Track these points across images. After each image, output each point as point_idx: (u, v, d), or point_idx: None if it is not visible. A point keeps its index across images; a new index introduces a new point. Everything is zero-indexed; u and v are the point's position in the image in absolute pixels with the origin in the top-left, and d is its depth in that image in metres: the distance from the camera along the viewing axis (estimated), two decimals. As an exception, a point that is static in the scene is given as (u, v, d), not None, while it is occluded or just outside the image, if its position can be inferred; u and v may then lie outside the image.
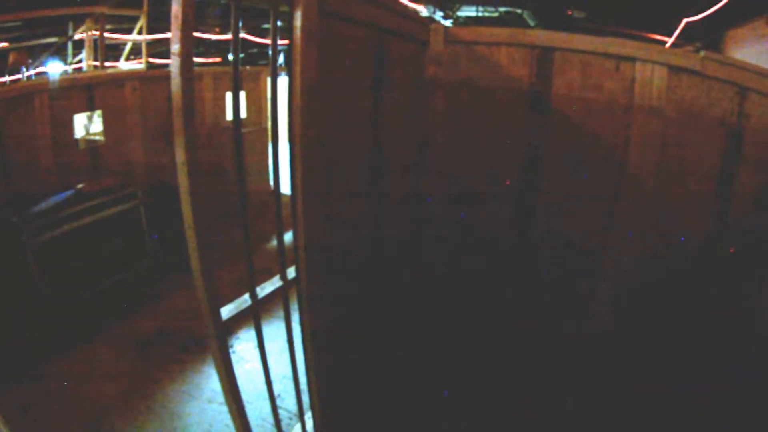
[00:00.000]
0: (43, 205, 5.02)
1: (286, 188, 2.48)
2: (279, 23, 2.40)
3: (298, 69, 2.32)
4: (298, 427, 3.17)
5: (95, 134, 6.13)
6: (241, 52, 9.42)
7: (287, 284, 2.56)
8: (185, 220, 2.08)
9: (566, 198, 3.43)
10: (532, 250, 3.63)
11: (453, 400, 3.57)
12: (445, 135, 3.58)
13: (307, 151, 2.34)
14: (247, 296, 2.41)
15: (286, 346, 2.82)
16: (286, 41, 2.43)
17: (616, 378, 3.37)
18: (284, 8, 2.24)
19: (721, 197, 3.09)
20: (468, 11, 9.48)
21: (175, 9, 1.81)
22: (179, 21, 1.81)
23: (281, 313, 2.73)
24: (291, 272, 2.59)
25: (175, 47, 1.84)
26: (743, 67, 2.95)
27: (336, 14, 2.46)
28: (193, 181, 2.01)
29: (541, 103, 3.38)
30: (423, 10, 8.96)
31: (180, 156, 1.98)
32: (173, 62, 1.87)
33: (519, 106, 3.44)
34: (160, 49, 8.94)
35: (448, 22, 8.50)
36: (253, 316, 2.43)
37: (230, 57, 10.16)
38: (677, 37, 7.84)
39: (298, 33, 2.27)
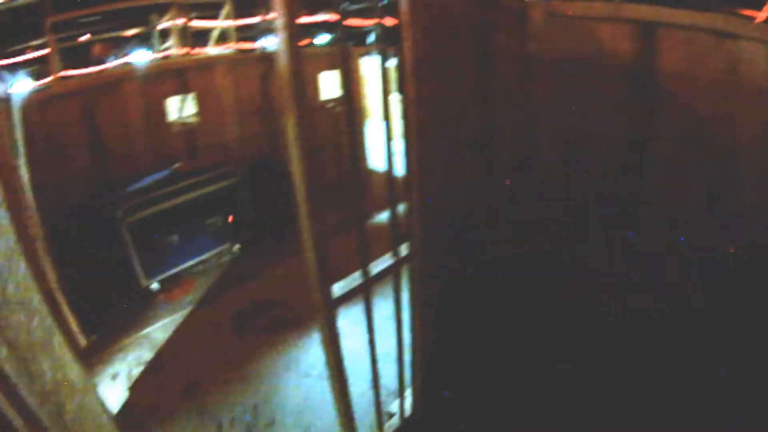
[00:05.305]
0: (139, 186, 5.18)
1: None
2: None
3: (407, 45, 2.30)
4: (396, 403, 3.22)
5: (189, 116, 6.34)
6: (329, 33, 9.44)
7: (399, 262, 2.56)
8: (298, 195, 2.08)
9: (672, 176, 3.25)
10: (634, 231, 3.47)
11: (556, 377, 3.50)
12: (549, 109, 3.46)
13: (421, 127, 2.32)
14: (357, 274, 2.43)
15: (384, 324, 2.84)
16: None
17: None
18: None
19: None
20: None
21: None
22: (284, -3, 1.79)
23: (383, 291, 2.72)
24: (402, 250, 2.59)
25: (281, 22, 1.83)
26: None
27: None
28: (306, 156, 2.00)
29: (644, 79, 3.20)
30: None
31: (292, 132, 1.97)
32: (280, 37, 1.85)
33: (622, 82, 3.28)
34: (247, 34, 9.05)
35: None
36: (364, 295, 2.46)
37: (316, 40, 10.18)
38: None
39: (404, 8, 2.25)
